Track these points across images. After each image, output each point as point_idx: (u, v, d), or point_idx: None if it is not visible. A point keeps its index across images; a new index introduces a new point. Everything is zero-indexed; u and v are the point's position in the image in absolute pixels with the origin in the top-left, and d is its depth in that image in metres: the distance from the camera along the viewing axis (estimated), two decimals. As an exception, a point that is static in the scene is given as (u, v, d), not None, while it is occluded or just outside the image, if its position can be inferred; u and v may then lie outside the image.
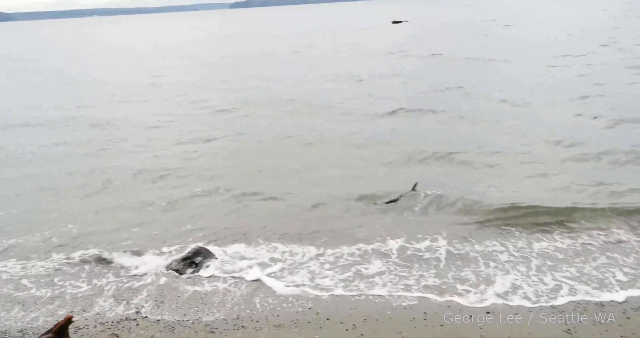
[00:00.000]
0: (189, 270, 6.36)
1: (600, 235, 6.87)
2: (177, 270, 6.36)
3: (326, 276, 6.18)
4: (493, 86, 17.93)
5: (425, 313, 5.33)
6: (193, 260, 6.46)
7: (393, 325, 5.15)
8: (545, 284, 5.72)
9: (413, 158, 10.51)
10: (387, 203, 8.17)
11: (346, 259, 6.59)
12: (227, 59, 32.79)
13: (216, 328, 5.24)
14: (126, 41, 62.95)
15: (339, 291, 5.84)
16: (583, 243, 6.65)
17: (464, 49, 29.21)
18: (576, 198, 7.99)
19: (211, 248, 6.94)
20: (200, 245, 7.00)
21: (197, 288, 6.06)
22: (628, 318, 5.02)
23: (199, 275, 6.30)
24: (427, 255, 6.56)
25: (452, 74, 21.05)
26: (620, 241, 6.67)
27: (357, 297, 5.71)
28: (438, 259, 6.45)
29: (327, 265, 6.46)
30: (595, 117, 12.82)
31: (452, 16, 69.07)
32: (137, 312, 5.62)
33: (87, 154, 12.24)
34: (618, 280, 5.71)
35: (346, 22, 74.41)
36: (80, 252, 7.04)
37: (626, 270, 5.94)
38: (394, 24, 61.40)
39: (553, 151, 10.51)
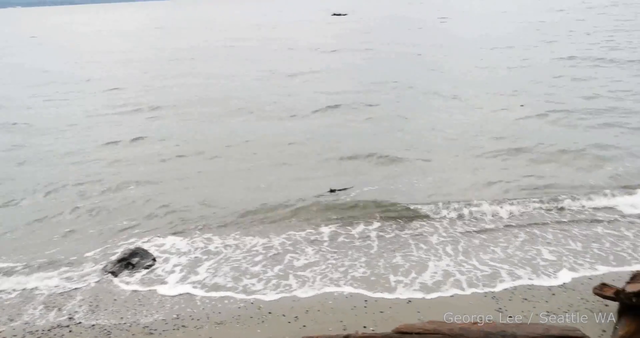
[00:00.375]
0: (126, 272, 6.15)
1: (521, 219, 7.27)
2: (112, 273, 6.13)
3: (264, 271, 6.18)
4: (426, 80, 18.25)
5: (365, 300, 5.43)
6: (129, 261, 6.25)
7: (335, 314, 5.21)
8: (477, 268, 5.99)
9: (345, 155, 10.38)
10: (331, 191, 8.30)
11: (277, 249, 6.64)
12: (157, 54, 31.43)
13: (155, 330, 5.11)
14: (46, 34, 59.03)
15: (275, 286, 5.87)
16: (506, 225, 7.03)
17: (401, 43, 29.72)
18: (494, 191, 8.25)
19: (148, 246, 6.75)
20: (139, 244, 6.80)
21: (134, 289, 5.88)
22: (553, 294, 5.33)
23: (136, 276, 6.10)
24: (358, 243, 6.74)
25: (388, 69, 21.30)
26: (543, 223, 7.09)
27: (297, 289, 5.75)
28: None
29: (259, 257, 6.48)
30: (522, 105, 13.42)
31: (393, 9, 70.11)
32: (70, 318, 5.38)
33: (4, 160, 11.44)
34: (544, 259, 6.07)
35: (285, 15, 73.86)
36: (8, 264, 6.65)
37: (551, 248, 6.33)
38: (334, 17, 61.74)
39: (484, 144, 10.72)
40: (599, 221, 7.05)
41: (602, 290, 4.72)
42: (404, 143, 10.95)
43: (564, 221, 7.10)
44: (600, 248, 6.30)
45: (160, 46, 35.88)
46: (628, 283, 4.54)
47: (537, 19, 39.49)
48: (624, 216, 7.19)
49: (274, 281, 5.92)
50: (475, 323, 4.23)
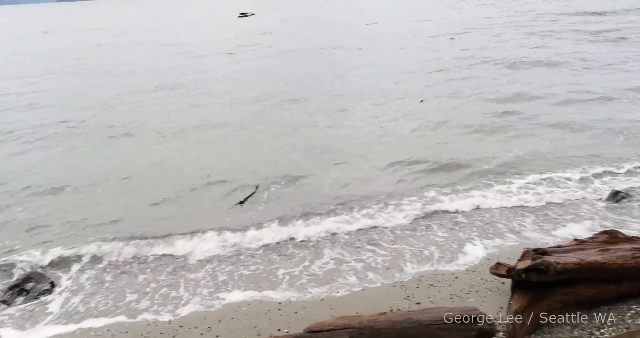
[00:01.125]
0: (20, 300, 5.67)
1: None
2: (4, 302, 5.63)
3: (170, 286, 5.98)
4: (331, 80, 18.54)
5: (279, 303, 5.41)
6: (23, 288, 5.77)
7: (249, 320, 5.14)
8: (381, 261, 6.19)
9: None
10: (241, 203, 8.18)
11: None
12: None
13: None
14: None
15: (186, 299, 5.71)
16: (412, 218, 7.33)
17: (309, 41, 30.07)
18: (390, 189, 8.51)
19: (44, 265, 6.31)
20: (36, 267, 6.32)
21: (26, 319, 5.44)
22: (456, 278, 5.62)
23: (31, 304, 5.65)
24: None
25: (295, 69, 21.43)
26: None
27: (210, 300, 5.62)
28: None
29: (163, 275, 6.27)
30: (421, 101, 14.05)
31: (298, 9, 70.59)
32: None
33: None
34: (446, 247, 6.40)
35: (191, 15, 72.10)
36: None
37: (446, 235, 6.69)
38: (241, 18, 61.18)
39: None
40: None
41: (497, 269, 5.03)
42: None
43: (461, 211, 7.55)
44: (494, 232, 6.74)
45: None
46: (519, 260, 4.87)
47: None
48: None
49: (185, 295, 5.75)
50: (383, 313, 4.34)
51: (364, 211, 7.56)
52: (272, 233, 7.07)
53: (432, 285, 5.50)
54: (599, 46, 21.14)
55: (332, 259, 6.29)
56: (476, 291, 5.26)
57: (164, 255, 6.77)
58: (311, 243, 6.77)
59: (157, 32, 46.96)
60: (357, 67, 20.50)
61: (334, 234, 6.97)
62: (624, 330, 4.19)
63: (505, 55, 20.49)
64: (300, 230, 7.10)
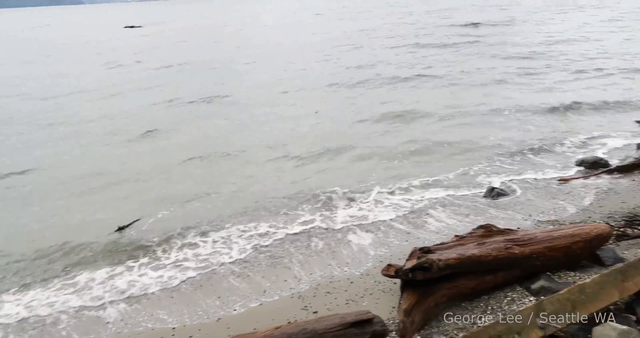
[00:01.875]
0: None
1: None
2: None
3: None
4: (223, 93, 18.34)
5: (173, 328, 5.16)
6: None
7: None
8: (277, 276, 6.16)
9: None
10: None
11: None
12: None
13: None
14: None
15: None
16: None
17: (197, 56, 29.47)
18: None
19: None
20: None
21: None
22: (352, 282, 5.73)
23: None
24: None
25: (191, 84, 20.94)
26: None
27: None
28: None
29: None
30: (316, 112, 14.34)
31: (190, 20, 68.97)
32: None
33: None
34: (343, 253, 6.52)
35: (75, 28, 67.55)
36: None
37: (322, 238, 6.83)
38: (127, 29, 58.54)
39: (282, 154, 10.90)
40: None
41: (388, 270, 5.19)
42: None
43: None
44: (386, 234, 7.00)
45: None
46: (407, 260, 5.08)
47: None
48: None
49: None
50: (279, 327, 4.30)
51: (256, 224, 7.51)
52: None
53: (328, 292, 5.56)
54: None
55: (226, 276, 6.14)
56: (370, 294, 5.40)
57: None
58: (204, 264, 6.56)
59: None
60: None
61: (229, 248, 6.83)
62: (502, 316, 4.51)
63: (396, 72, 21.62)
64: (196, 249, 6.86)
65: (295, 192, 8.59)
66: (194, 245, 7.01)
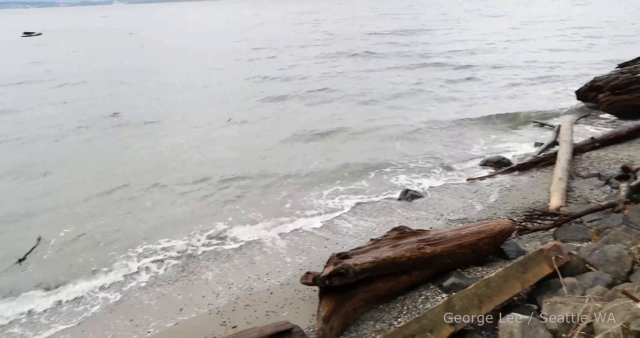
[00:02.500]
0: None
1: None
2: None
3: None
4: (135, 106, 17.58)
5: None
6: None
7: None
8: (195, 292, 5.95)
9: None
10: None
11: None
12: None
13: None
14: None
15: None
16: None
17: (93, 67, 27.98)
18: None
19: None
20: None
21: None
22: (272, 293, 5.65)
23: None
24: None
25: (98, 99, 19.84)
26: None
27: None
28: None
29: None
30: (229, 120, 14.08)
31: (97, 25, 65.57)
32: None
33: None
34: (259, 263, 6.41)
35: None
36: None
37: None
38: (25, 37, 54.74)
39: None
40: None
41: (307, 278, 5.17)
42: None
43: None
44: (304, 242, 7.00)
45: None
46: (325, 266, 5.08)
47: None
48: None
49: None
50: (194, 346, 4.13)
51: (169, 240, 7.22)
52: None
53: (248, 305, 5.44)
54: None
55: (139, 296, 5.84)
56: (290, 304, 5.35)
57: None
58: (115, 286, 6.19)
59: None
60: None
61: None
62: (417, 315, 4.63)
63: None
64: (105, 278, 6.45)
65: (210, 202, 8.39)
66: (104, 269, 6.59)
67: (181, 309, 5.51)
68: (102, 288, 6.13)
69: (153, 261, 6.66)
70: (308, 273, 5.26)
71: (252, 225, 7.60)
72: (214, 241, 7.14)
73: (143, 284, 6.13)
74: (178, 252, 6.89)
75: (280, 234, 7.24)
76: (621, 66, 14.20)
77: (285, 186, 9.15)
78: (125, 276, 6.36)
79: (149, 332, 5.13)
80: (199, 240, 7.17)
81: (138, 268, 6.52)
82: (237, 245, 7.00)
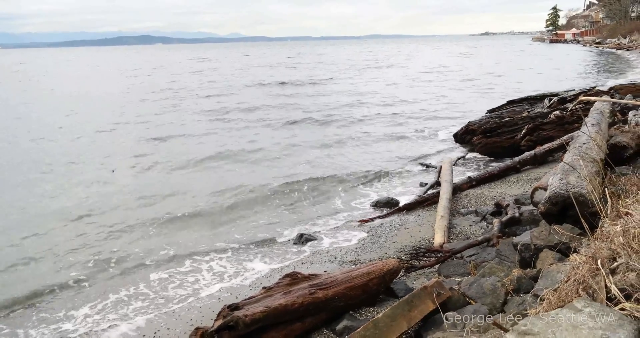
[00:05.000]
0: None
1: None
2: None
3: None
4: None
5: None
6: None
7: None
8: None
9: None
10: None
11: None
12: None
13: None
14: None
15: None
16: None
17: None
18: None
19: None
20: None
21: None
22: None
23: None
24: None
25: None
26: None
27: None
28: None
29: None
30: (112, 171, 13.40)
31: None
32: None
33: None
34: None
35: None
36: None
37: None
38: None
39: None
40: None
41: (196, 334, 4.89)
42: None
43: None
44: (196, 295, 6.70)
45: None
46: (215, 320, 4.86)
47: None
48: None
49: None
50: None
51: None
52: None
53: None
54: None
55: None
56: (180, 363, 5.02)
57: None
58: None
59: None
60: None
61: None
62: (310, 363, 4.55)
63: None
64: None
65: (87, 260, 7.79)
66: None
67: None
68: None
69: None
70: (197, 328, 4.98)
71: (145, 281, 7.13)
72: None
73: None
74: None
75: (171, 284, 6.85)
76: (490, 111, 15.80)
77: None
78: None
79: None
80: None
81: None
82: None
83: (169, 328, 5.79)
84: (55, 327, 5.98)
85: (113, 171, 13.23)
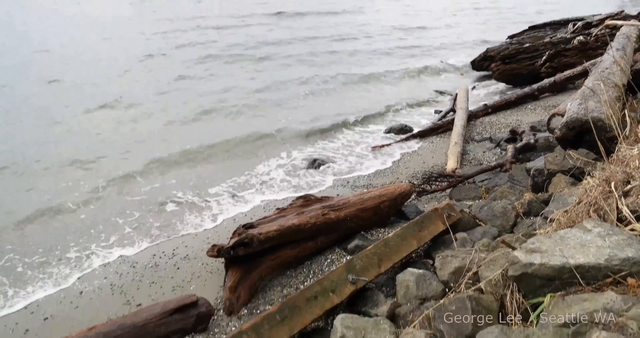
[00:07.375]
0: None
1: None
2: None
3: None
4: None
5: None
6: None
7: None
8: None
9: None
10: None
11: None
12: None
13: None
14: None
15: None
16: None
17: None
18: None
19: None
20: None
21: None
22: (178, 268, 5.50)
23: None
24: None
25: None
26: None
27: None
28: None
29: None
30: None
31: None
32: None
33: None
34: (168, 237, 6.23)
35: None
36: None
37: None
38: None
39: None
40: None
41: (213, 251, 5.08)
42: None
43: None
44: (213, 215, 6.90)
45: None
46: (231, 238, 5.04)
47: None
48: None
49: None
50: (93, 327, 3.96)
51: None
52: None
53: (153, 282, 5.28)
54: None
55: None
56: (198, 277, 5.27)
57: None
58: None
59: None
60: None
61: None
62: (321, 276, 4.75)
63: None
64: None
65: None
66: None
67: (81, 290, 5.24)
68: None
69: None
70: (214, 245, 5.16)
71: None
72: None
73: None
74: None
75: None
76: (510, 37, 15.18)
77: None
78: None
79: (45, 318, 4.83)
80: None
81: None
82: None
83: (187, 246, 6.02)
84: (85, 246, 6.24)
85: None
